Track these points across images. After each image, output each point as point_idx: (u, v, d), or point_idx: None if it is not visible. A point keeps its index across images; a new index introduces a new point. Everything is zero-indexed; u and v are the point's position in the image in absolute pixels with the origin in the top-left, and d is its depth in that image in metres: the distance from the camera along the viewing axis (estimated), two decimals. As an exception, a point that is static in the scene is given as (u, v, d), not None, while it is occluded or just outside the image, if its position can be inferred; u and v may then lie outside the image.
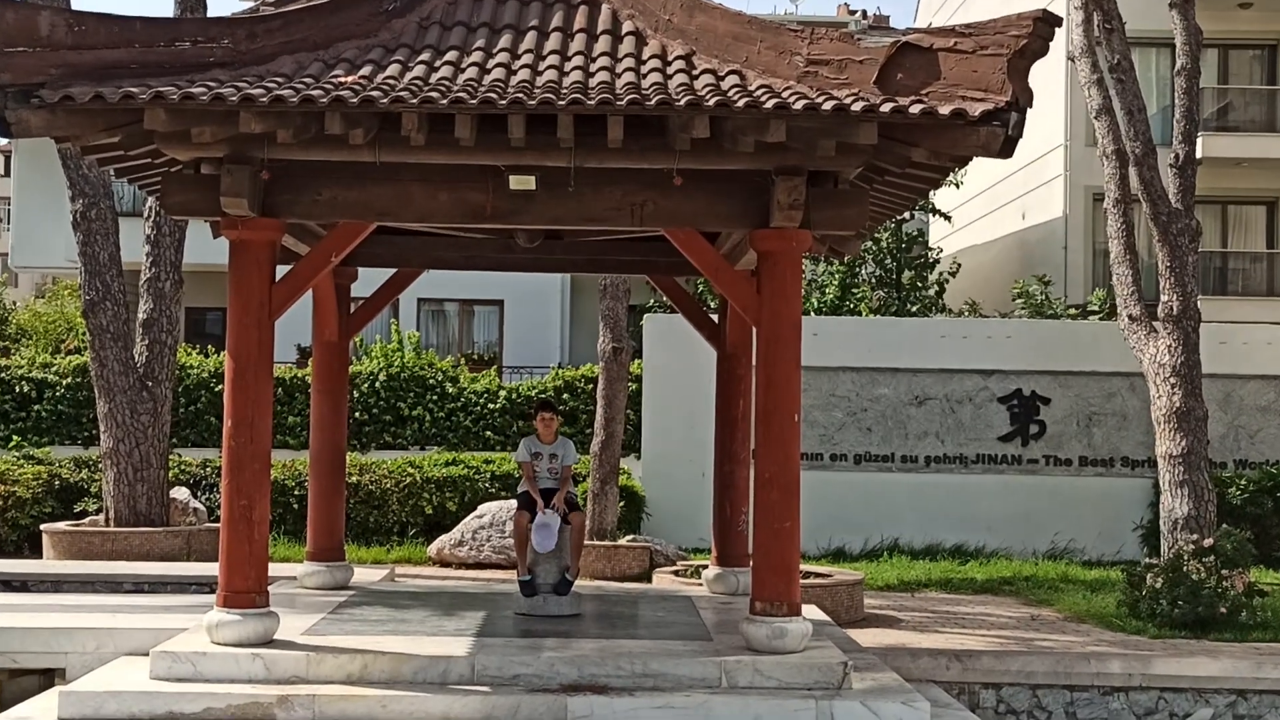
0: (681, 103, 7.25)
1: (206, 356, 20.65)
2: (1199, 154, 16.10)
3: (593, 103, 7.26)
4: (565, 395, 20.07)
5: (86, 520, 14.96)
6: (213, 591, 8.34)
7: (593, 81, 7.64)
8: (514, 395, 20.16)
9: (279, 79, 7.62)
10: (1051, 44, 7.56)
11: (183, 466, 17.14)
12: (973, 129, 7.31)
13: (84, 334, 16.46)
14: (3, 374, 20.05)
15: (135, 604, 10.07)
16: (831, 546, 16.84)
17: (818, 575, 12.45)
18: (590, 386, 19.51)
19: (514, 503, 10.68)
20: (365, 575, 11.70)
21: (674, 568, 13.61)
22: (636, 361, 18.31)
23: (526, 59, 8.00)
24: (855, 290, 23.78)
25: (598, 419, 15.39)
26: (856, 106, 7.29)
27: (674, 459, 17.02)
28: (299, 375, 19.87)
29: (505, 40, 8.25)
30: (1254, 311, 24.28)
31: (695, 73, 7.90)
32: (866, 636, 10.66)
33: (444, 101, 7.25)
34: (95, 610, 9.55)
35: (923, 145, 7.56)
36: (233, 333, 8.00)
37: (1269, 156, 25.46)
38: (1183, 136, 14.18)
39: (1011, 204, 28.45)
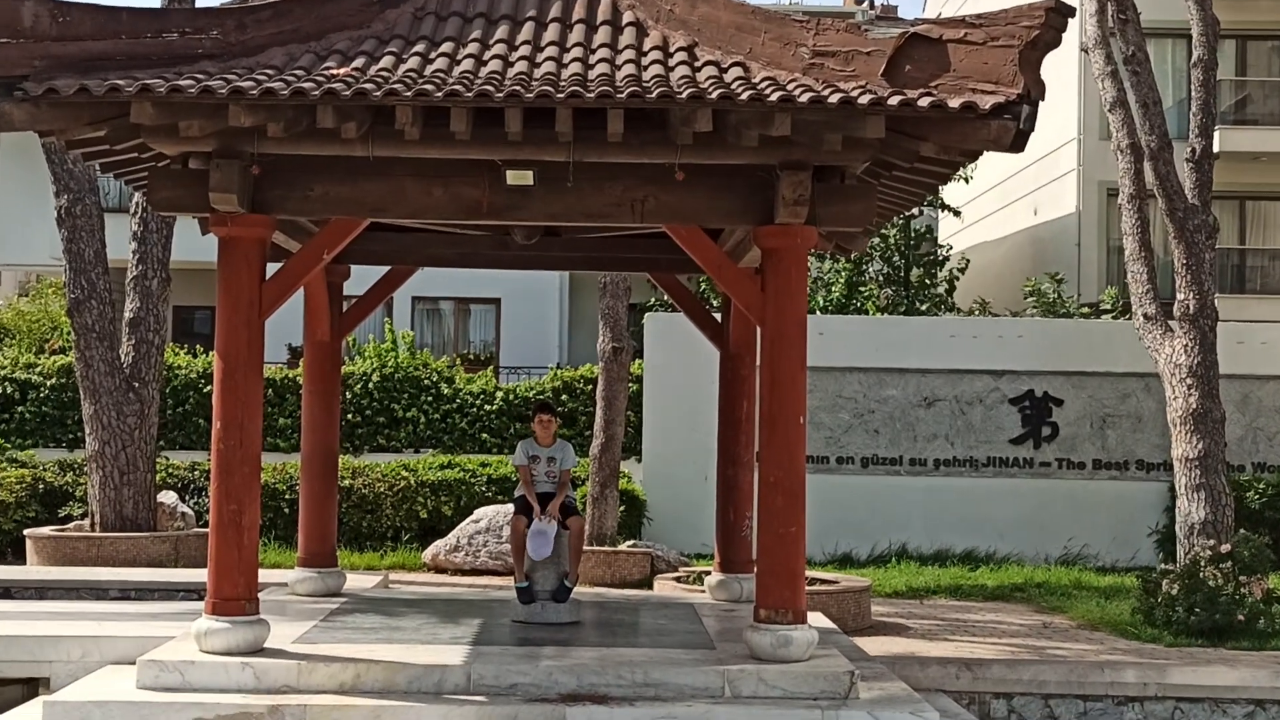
0: (683, 95, 7.25)
1: (195, 357, 20.65)
2: (1216, 148, 16.09)
3: (592, 96, 7.26)
4: (564, 396, 20.08)
5: (71, 525, 14.96)
6: (201, 598, 8.35)
7: (592, 74, 7.64)
8: (511, 396, 20.17)
9: (269, 71, 7.62)
10: (1064, 35, 7.56)
11: (170, 470, 17.15)
12: (983, 123, 7.31)
13: (69, 333, 16.46)
14: (-15, 375, 20.06)
15: (121, 611, 10.08)
16: (838, 552, 16.84)
17: (824, 582, 12.45)
18: (589, 387, 19.51)
19: (511, 507, 10.68)
20: (358, 582, 11.70)
21: (676, 574, 13.61)
22: (637, 362, 18.32)
23: (524, 50, 8.00)
24: (862, 288, 23.78)
25: (597, 421, 15.39)
26: (863, 99, 7.29)
27: (676, 462, 17.02)
28: (290, 376, 19.87)
29: (502, 31, 8.25)
30: (1273, 310, 24.28)
31: (697, 64, 7.90)
32: (874, 645, 10.66)
33: (439, 94, 7.25)
34: (80, 618, 9.56)
35: (932, 139, 7.56)
36: (222, 332, 8.00)
37: (1288, 151, 25.47)
38: (1199, 130, 14.18)
39: (1023, 200, 28.45)
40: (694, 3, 8.19)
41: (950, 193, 26.78)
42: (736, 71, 7.76)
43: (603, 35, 8.25)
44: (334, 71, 7.57)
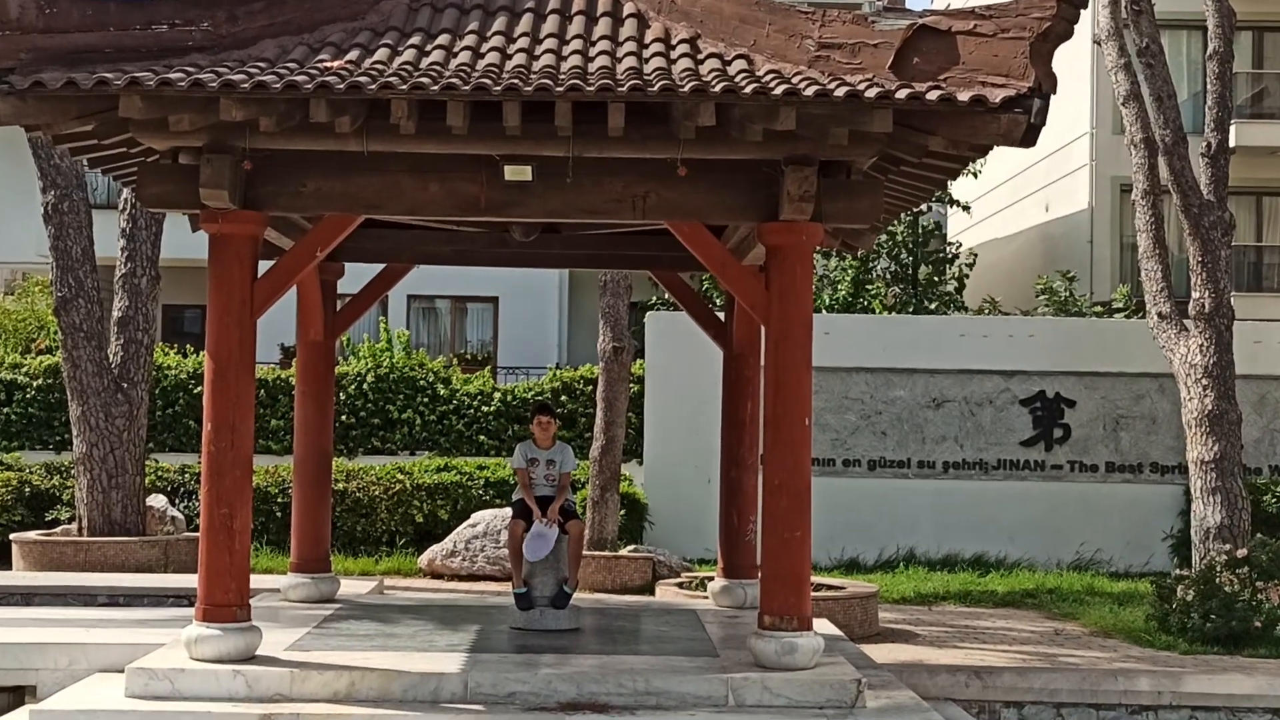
0: (686, 89, 7.25)
1: (185, 357, 20.67)
2: (1232, 142, 16.10)
3: (592, 89, 7.26)
4: (563, 397, 20.08)
5: (58, 529, 14.98)
6: (191, 605, 8.34)
7: (592, 66, 7.64)
8: (509, 397, 20.17)
9: (261, 64, 7.62)
10: (1077, 26, 7.56)
11: (160, 473, 17.16)
12: (993, 116, 7.31)
13: (56, 333, 16.48)
14: (-30, 375, 20.07)
15: (110, 618, 10.08)
16: (844, 557, 16.85)
17: (830, 587, 12.45)
18: (590, 388, 19.52)
19: (509, 511, 10.68)
20: (352, 587, 11.70)
21: (678, 579, 13.62)
22: (638, 362, 18.32)
23: (522, 42, 8.00)
24: (869, 287, 23.78)
25: (597, 422, 15.40)
26: (871, 93, 7.29)
27: (678, 464, 17.03)
28: (282, 376, 19.88)
29: (500, 22, 8.25)
30: (1290, 309, 24.28)
31: (700, 57, 7.90)
32: (881, 652, 10.66)
33: (435, 87, 7.25)
34: (68, 624, 9.56)
35: (940, 133, 7.55)
36: (212, 331, 8.00)
37: (1306, 145, 25.47)
38: (1215, 124, 14.18)
39: (1034, 195, 28.45)
40: (697, -7, 8.19)
41: (960, 188, 26.78)
42: (740, 64, 7.76)
43: (603, 27, 8.25)
44: (328, 64, 7.56)
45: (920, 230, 25.37)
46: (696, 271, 12.31)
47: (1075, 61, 24.57)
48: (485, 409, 20.08)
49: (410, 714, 7.34)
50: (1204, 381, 13.57)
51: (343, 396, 19.64)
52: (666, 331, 17.49)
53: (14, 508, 16.28)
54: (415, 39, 8.00)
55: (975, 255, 25.87)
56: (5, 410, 19.91)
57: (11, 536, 14.33)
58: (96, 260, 14.92)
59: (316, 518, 10.69)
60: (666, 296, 20.73)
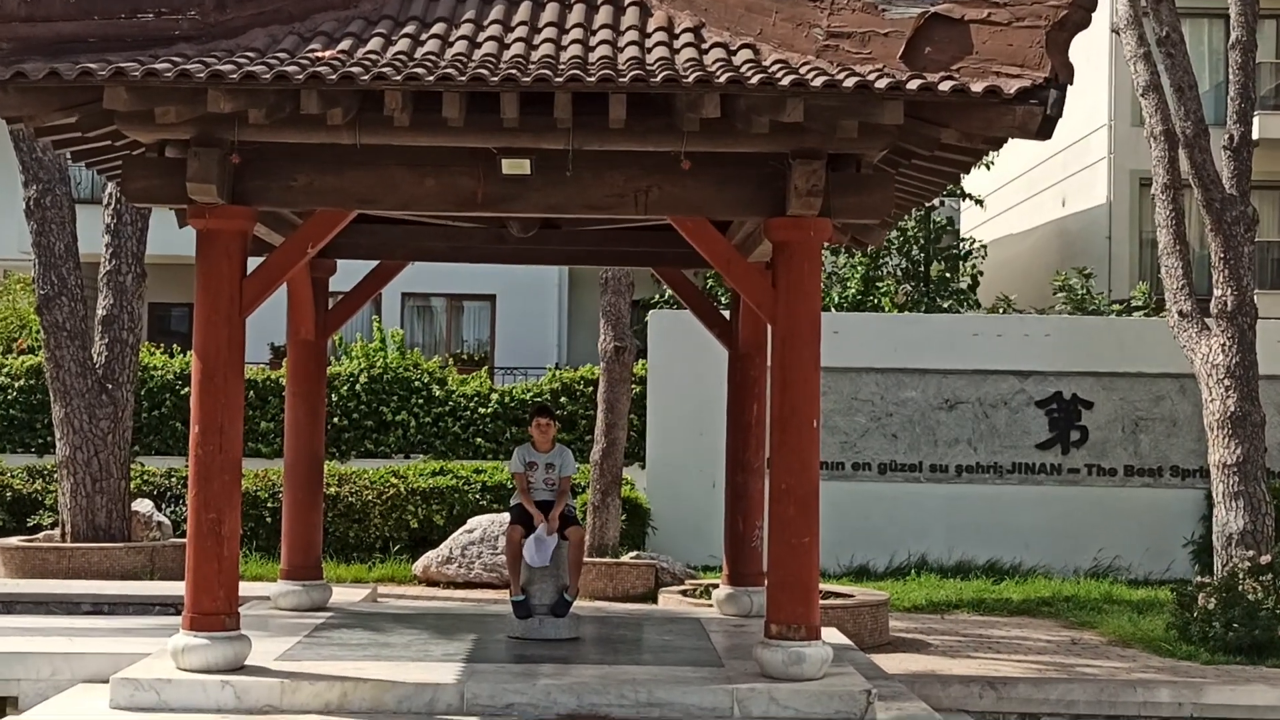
0: (690, 79, 7.25)
1: (172, 357, 20.68)
2: (1255, 135, 16.06)
3: (593, 79, 7.26)
4: (563, 399, 20.09)
5: (41, 535, 14.99)
6: (178, 613, 8.35)
7: (593, 56, 7.64)
8: (507, 399, 20.18)
9: (250, 54, 7.62)
10: (1094, 15, 7.56)
11: (146, 476, 17.16)
12: (1008, 108, 7.31)
13: (38, 332, 16.48)
14: (-51, 376, 20.08)
15: (94, 626, 10.09)
16: (854, 564, 16.84)
17: (839, 595, 12.45)
18: (590, 389, 19.52)
19: (507, 516, 10.69)
20: (345, 595, 11.71)
21: (682, 587, 13.62)
22: (640, 362, 18.32)
23: (520, 31, 8.00)
24: (879, 284, 23.77)
25: (598, 425, 15.40)
26: (881, 83, 7.29)
27: (681, 468, 17.02)
28: (273, 377, 19.89)
29: (497, 11, 8.25)
30: (1315, 307, 24.26)
31: (705, 46, 7.90)
32: (892, 662, 10.66)
33: (430, 78, 7.25)
34: (50, 633, 9.57)
35: (953, 126, 7.56)
36: (200, 330, 8.01)
37: (1332, 138, 25.43)
38: (1238, 116, 14.17)
39: (1050, 190, 28.43)
40: (701, -19, 8.19)
41: (973, 182, 26.76)
42: (746, 54, 7.76)
43: (604, 15, 8.25)
44: (319, 54, 7.57)
45: (932, 226, 25.36)
46: (701, 268, 12.31)
47: (1093, 51, 24.56)
48: (482, 411, 20.09)
49: (405, 726, 7.36)
50: (1226, 382, 13.56)
51: (335, 398, 19.65)
52: (670, 331, 17.48)
53: (-5, 513, 16.30)
54: (410, 28, 8.01)
55: (985, 247, 25.84)
56: (-14, 412, 19.94)
57: (-8, 542, 14.34)
58: (80, 257, 14.93)
59: (308, 523, 10.70)
60: (670, 294, 20.74)
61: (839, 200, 7.91)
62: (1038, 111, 7.32)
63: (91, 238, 15.86)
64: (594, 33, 8.05)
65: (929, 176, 9.12)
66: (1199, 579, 12.59)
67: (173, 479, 17.18)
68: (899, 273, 24.84)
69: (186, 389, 18.84)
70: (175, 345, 21.82)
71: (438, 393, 20.22)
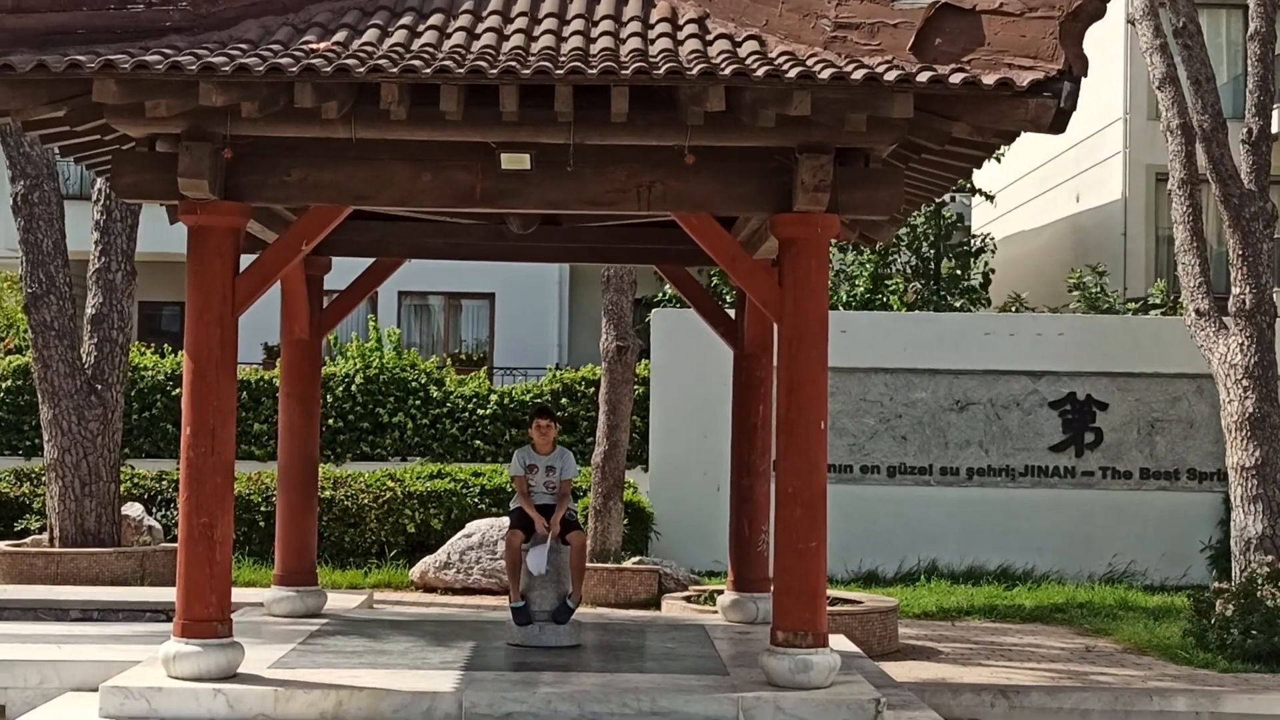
0: (694, 72, 7.25)
1: (163, 357, 20.69)
2: (1274, 128, 16.06)
3: (594, 72, 7.26)
4: (564, 400, 20.09)
5: (29, 540, 14.98)
6: (169, 619, 8.34)
7: (594, 48, 7.64)
8: (506, 400, 20.18)
9: (243, 46, 7.62)
10: (1109, 5, 7.55)
11: (136, 480, 17.17)
12: (1020, 101, 7.30)
13: (25, 331, 16.49)
14: (-65, 376, 20.09)
15: (83, 633, 10.09)
16: (862, 569, 16.84)
17: (847, 602, 12.45)
18: (592, 390, 19.52)
19: (506, 520, 10.69)
20: (340, 602, 11.70)
21: (685, 593, 13.62)
22: (643, 362, 18.32)
23: (520, 23, 8.01)
24: (888, 282, 23.77)
25: (600, 426, 15.40)
26: (890, 76, 7.28)
27: (685, 471, 17.03)
28: (266, 377, 19.90)
29: (496, 1, 8.25)
30: (1336, 305, 24.22)
31: (709, 38, 7.90)
32: (901, 670, 10.66)
33: (428, 70, 7.25)
34: (38, 640, 9.57)
35: (964, 119, 7.55)
36: (192, 330, 8.01)
37: (1353, 131, 25.43)
38: (1256, 109, 14.16)
39: (1064, 185, 28.41)
40: (705, -30, 8.19)
41: (984, 177, 26.76)
42: (751, 45, 7.76)
43: (606, 5, 8.25)
44: (313, 46, 7.57)
45: (942, 222, 25.35)
46: (705, 266, 12.31)
47: (1108, 42, 24.54)
48: (481, 412, 20.09)
49: (401, 735, 7.35)
50: (1244, 383, 13.55)
51: (330, 399, 19.65)
52: (673, 330, 17.49)
53: (-19, 517, 16.31)
54: (407, 19, 8.01)
55: (992, 238, 25.80)
56: (-28, 413, 19.95)
57: (-21, 547, 14.35)
58: (69, 254, 14.93)
59: (302, 527, 10.70)
60: (673, 292, 20.74)
61: (847, 196, 7.90)
62: (1051, 104, 7.31)
63: (80, 234, 15.86)
64: (595, 23, 8.05)
65: (939, 171, 9.11)
66: (1216, 585, 12.59)
67: (164, 482, 17.18)
68: (908, 270, 24.83)
69: (178, 390, 18.84)
70: (166, 345, 21.83)
71: (435, 394, 20.22)
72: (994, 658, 11.78)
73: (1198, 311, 14.26)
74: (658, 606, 13.68)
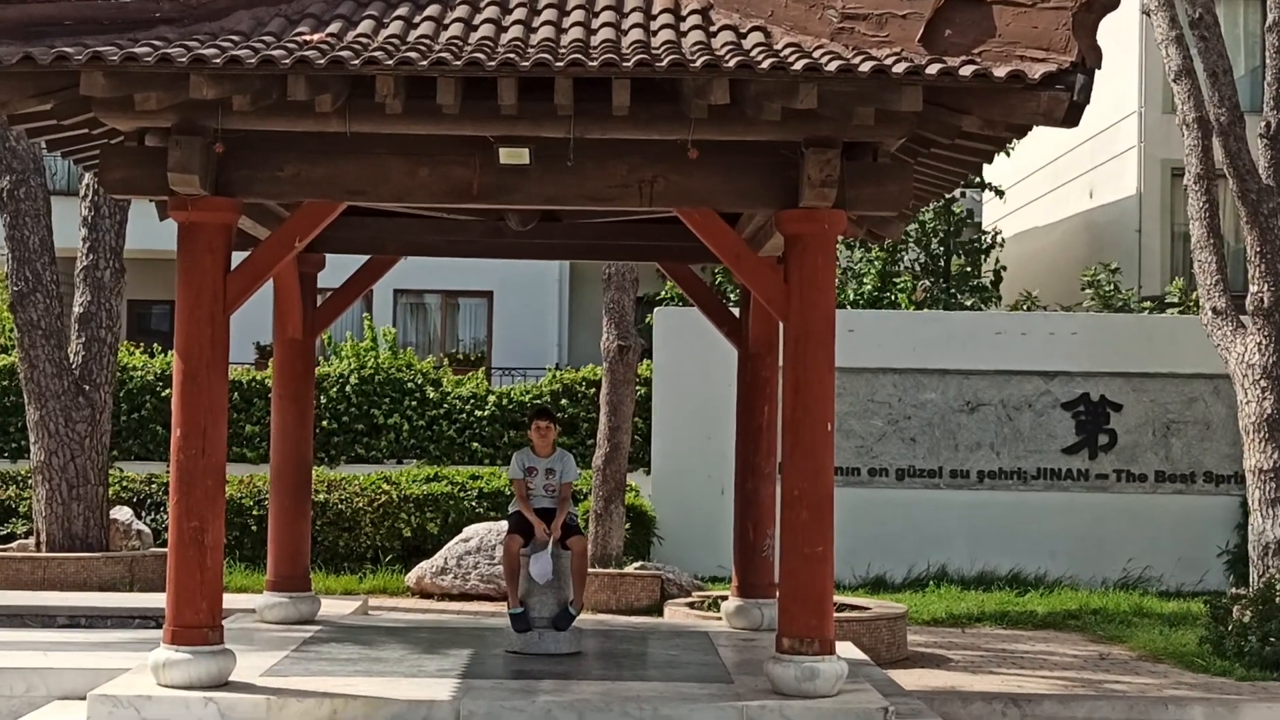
0: (697, 64, 7.25)
1: (152, 356, 20.69)
2: (1294, 122, 16.05)
3: (595, 64, 7.26)
4: (564, 401, 20.09)
5: (15, 544, 14.99)
6: (159, 626, 8.35)
7: (595, 39, 7.64)
8: (505, 401, 20.18)
9: (235, 37, 7.63)
10: (1123, -5, 7.55)
11: (125, 483, 17.17)
12: (1032, 94, 7.30)
13: (11, 331, 16.49)
14: (-82, 376, 20.10)
15: (70, 640, 10.09)
16: (870, 574, 16.84)
17: (854, 608, 12.45)
18: (592, 391, 19.52)
19: (504, 525, 10.69)
20: (334, 608, 11.71)
21: (688, 599, 13.62)
22: (645, 362, 18.32)
23: (519, 13, 8.01)
24: (897, 280, 23.76)
25: (601, 428, 15.40)
26: (899, 68, 7.28)
27: (688, 474, 17.02)
28: (258, 378, 19.89)
29: (494, -8, 8.25)
30: (1357, 304, 24.17)
31: (713, 29, 7.90)
32: (910, 678, 10.66)
33: (424, 63, 7.25)
34: (25, 647, 9.57)
35: (975, 113, 7.55)
36: (182, 329, 8.01)
37: (1374, 125, 25.39)
38: (1275, 102, 14.14)
39: (1077, 181, 28.41)
40: (709, -40, 8.19)
41: (995, 172, 26.76)
42: (756, 37, 7.76)
43: (607, -4, 8.26)
44: (307, 37, 7.57)
45: (952, 218, 25.35)
46: (709, 263, 12.31)
47: (1122, 34, 24.53)
48: (479, 413, 20.09)
49: (397, 745, 7.36)
50: (1263, 383, 13.54)
51: (323, 400, 19.66)
52: (676, 329, 17.48)
53: (-34, 521, 16.32)
54: (402, 10, 8.01)
55: (1000, 232, 25.76)
56: (-44, 415, 19.95)
57: (-37, 552, 14.36)
58: (56, 251, 14.93)
59: (295, 532, 10.70)
60: (676, 291, 20.74)
61: (854, 191, 7.91)
62: (1064, 97, 7.31)
63: (68, 231, 15.85)
64: (596, 14, 8.05)
65: (949, 166, 9.12)
66: (1234, 590, 12.59)
67: (153, 485, 17.18)
68: (917, 268, 24.82)
69: (167, 390, 18.85)
70: (156, 344, 21.83)
71: (432, 394, 20.22)
72: (1005, 665, 11.78)
73: (1214, 310, 14.24)
74: (660, 613, 13.68)
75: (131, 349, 20.89)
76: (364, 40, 7.55)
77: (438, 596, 15.34)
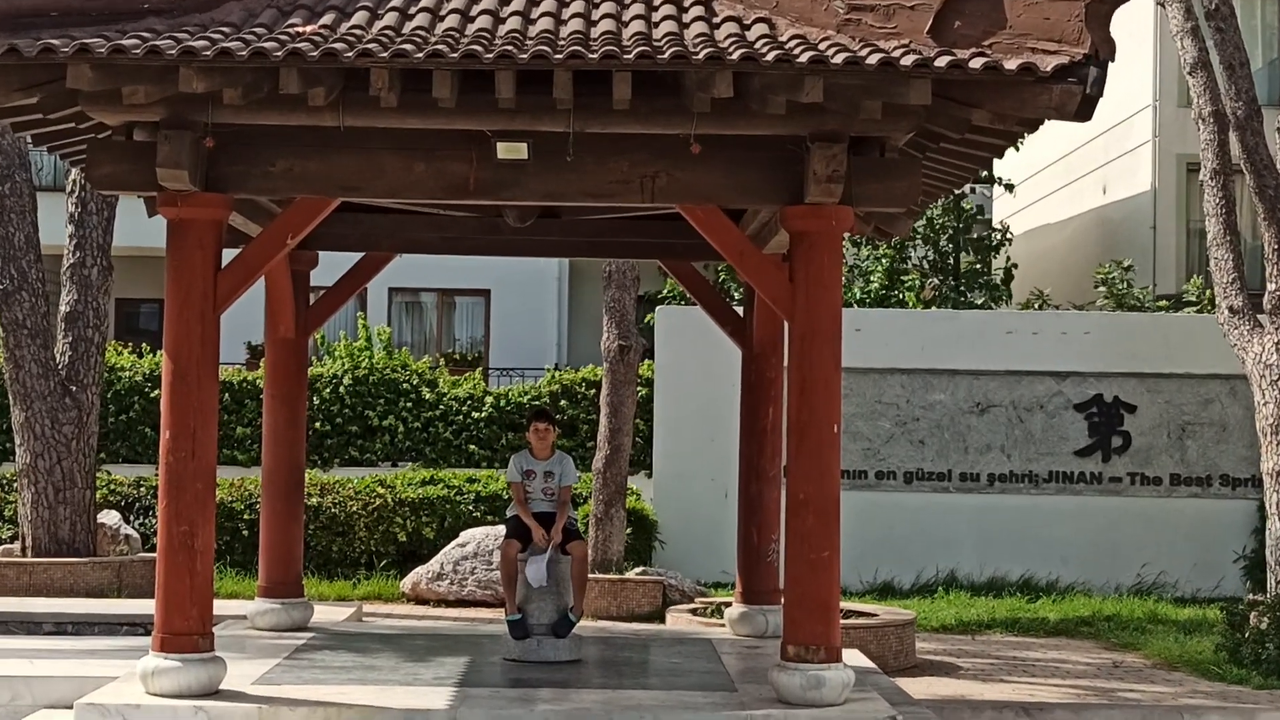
0: (700, 56, 7.25)
1: (140, 356, 20.70)
2: (1312, 116, 16.06)
3: (595, 57, 7.26)
4: (563, 402, 20.10)
5: (0, 549, 15.00)
6: (148, 633, 8.35)
7: (595, 31, 7.64)
8: (503, 402, 20.19)
9: (225, 29, 7.63)
10: (1138, -14, 7.56)
11: (112, 486, 17.18)
12: (1044, 87, 7.30)
13: (-4, 330, 16.50)
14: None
15: (57, 648, 10.10)
16: (877, 580, 16.84)
17: (861, 614, 12.45)
18: (592, 391, 19.53)
19: (502, 529, 10.69)
20: (327, 614, 11.71)
21: (691, 605, 13.62)
22: (647, 362, 18.33)
23: (517, 4, 8.01)
24: (905, 278, 23.77)
25: (601, 430, 15.40)
26: (907, 60, 7.28)
27: (691, 477, 17.03)
28: (249, 378, 19.91)
29: (492, -17, 8.25)
30: (1377, 302, 24.18)
31: (716, 21, 7.90)
32: (918, 686, 10.66)
33: (420, 55, 7.25)
34: (10, 655, 9.58)
35: (985, 106, 7.55)
36: (171, 328, 8.01)
37: (1395, 119, 25.41)
38: (1293, 95, 14.15)
39: (1090, 176, 28.42)
40: (712, -50, 8.19)
41: (1005, 167, 26.76)
42: (761, 29, 7.76)
43: (607, -13, 8.25)
44: (299, 29, 7.57)
45: (962, 214, 25.36)
46: (712, 261, 12.31)
47: (1136, 25, 24.53)
48: (476, 415, 20.10)
49: (392, 755, 7.36)
50: (1280, 384, 13.54)
51: (316, 401, 19.66)
52: (678, 328, 17.49)
53: (-50, 525, 16.33)
54: (397, 1, 8.01)
55: (1008, 227, 25.76)
56: (-60, 416, 19.97)
57: (-53, 557, 14.36)
58: (42, 249, 14.94)
59: (287, 536, 10.70)
60: (679, 289, 20.74)
61: (861, 187, 7.90)
62: (1076, 91, 7.31)
63: (54, 228, 15.87)
64: (596, 5, 8.05)
65: (959, 161, 9.11)
66: (1251, 596, 12.59)
67: (141, 488, 17.19)
68: (926, 265, 24.82)
69: (156, 391, 18.85)
70: (144, 344, 21.83)
71: (428, 395, 20.23)
72: (1016, 673, 11.78)
73: (1231, 309, 14.25)
74: (662, 620, 13.69)
75: (119, 349, 20.91)
76: (358, 32, 7.55)
77: (434, 603, 15.34)
